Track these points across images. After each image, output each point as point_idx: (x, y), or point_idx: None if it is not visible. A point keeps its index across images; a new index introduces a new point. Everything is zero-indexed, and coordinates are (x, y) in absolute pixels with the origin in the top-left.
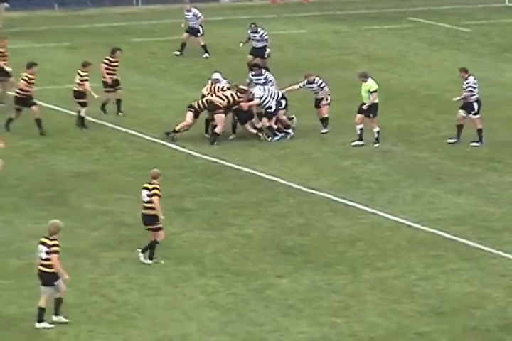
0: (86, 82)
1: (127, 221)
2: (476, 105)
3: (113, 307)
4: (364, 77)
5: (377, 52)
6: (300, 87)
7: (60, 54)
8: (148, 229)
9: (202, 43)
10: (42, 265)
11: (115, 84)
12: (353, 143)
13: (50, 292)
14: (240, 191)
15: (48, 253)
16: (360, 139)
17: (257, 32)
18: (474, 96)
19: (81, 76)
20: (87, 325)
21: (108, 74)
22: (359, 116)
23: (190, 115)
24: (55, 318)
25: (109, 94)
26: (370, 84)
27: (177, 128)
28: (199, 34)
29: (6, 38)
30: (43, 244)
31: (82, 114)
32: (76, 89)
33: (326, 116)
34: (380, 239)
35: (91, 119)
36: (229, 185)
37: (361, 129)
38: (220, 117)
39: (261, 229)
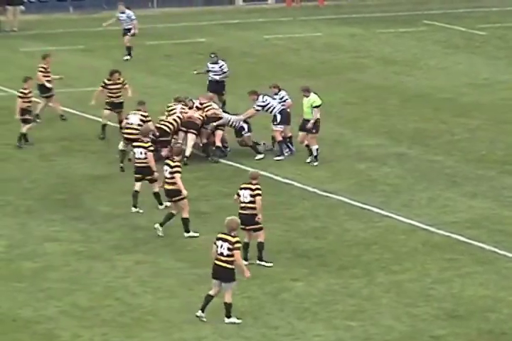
0: (31, 96)
1: (142, 224)
2: (278, 116)
3: (127, 311)
4: (306, 91)
5: (393, 55)
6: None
7: (75, 57)
8: (248, 230)
9: (128, 44)
10: (223, 261)
11: (117, 106)
12: (309, 160)
13: (231, 287)
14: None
15: (230, 249)
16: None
17: (216, 63)
18: (276, 109)
19: (25, 94)
20: (101, 328)
21: (108, 97)
22: (301, 133)
23: (193, 137)
24: (227, 320)
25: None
26: (313, 98)
27: (187, 154)
28: (129, 34)
29: (49, 56)
30: (224, 240)
31: (24, 130)
32: (21, 106)
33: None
34: (395, 243)
35: (108, 123)
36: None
37: (307, 146)
38: (219, 132)
39: (276, 232)
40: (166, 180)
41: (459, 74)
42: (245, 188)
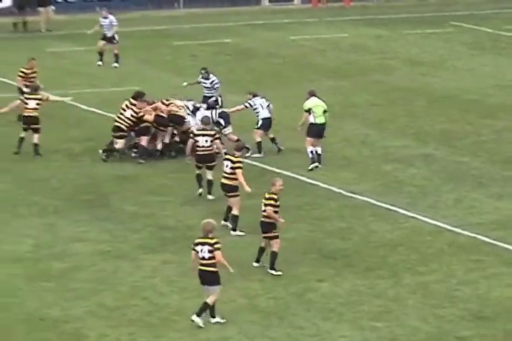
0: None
1: (169, 224)
2: (260, 122)
3: (154, 310)
4: (308, 94)
5: (419, 57)
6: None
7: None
8: (265, 238)
9: (116, 52)
10: (206, 265)
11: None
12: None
13: (215, 290)
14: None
15: (211, 251)
16: (313, 161)
17: (207, 79)
18: (260, 115)
19: (39, 99)
20: (128, 327)
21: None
22: (307, 138)
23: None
24: (212, 320)
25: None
26: (305, 102)
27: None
28: (115, 41)
29: (33, 59)
30: (204, 243)
31: (36, 140)
32: (29, 114)
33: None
34: (422, 244)
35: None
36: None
37: (311, 152)
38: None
39: (302, 232)
40: (225, 174)
41: (486, 75)
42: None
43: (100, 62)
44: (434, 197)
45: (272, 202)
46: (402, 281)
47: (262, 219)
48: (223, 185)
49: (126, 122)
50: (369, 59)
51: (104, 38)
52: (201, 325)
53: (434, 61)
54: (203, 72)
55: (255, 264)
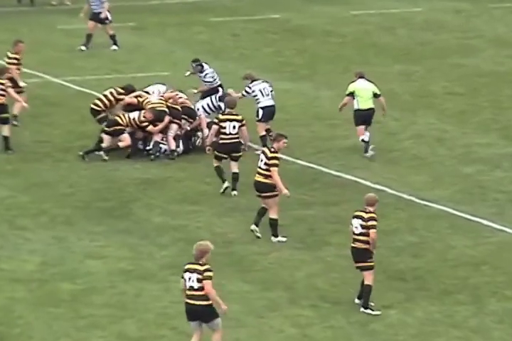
0: (10, 89)
1: (203, 237)
2: (260, 112)
3: None
4: (355, 76)
5: (508, 36)
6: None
7: (124, 36)
8: (358, 268)
9: (111, 32)
10: (195, 297)
11: None
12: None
13: (216, 325)
14: (340, 203)
15: (199, 280)
16: (366, 151)
17: (201, 72)
18: (260, 104)
19: (2, 84)
20: None
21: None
22: (357, 128)
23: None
24: None
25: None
26: (349, 85)
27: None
28: (107, 21)
29: (20, 42)
30: (192, 271)
31: (6, 133)
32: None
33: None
34: (510, 262)
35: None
36: (327, 196)
37: (363, 140)
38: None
39: None
40: (259, 170)
41: None
42: (356, 216)
43: (83, 47)
44: None
45: (376, 223)
46: (487, 308)
47: (355, 245)
48: (256, 183)
49: (126, 121)
50: (447, 38)
51: (93, 17)
52: None
53: None
54: (194, 65)
55: (357, 301)
